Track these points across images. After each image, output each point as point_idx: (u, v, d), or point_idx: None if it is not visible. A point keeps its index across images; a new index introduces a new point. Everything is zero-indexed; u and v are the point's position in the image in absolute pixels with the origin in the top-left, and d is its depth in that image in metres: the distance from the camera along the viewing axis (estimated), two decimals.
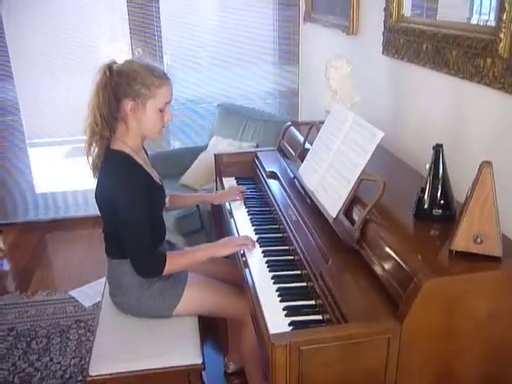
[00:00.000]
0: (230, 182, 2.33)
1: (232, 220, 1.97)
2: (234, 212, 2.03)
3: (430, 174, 1.40)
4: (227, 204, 2.09)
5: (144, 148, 1.85)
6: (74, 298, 2.89)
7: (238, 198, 2.10)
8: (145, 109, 1.66)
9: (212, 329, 2.45)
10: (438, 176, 1.38)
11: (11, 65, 3.52)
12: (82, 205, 3.95)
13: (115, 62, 1.68)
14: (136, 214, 1.63)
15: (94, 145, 1.71)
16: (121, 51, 3.59)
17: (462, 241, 1.21)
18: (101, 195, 1.73)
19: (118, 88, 1.65)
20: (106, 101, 1.64)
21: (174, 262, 1.70)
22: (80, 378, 2.27)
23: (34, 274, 3.19)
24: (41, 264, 3.33)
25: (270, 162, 2.26)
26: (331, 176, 1.68)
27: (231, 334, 2.25)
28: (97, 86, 1.65)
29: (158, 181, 1.82)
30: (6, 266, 3.36)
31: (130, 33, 3.58)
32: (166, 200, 1.89)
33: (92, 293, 2.91)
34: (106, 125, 1.66)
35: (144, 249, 1.66)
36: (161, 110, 1.69)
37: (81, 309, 2.79)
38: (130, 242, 1.67)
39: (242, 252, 1.70)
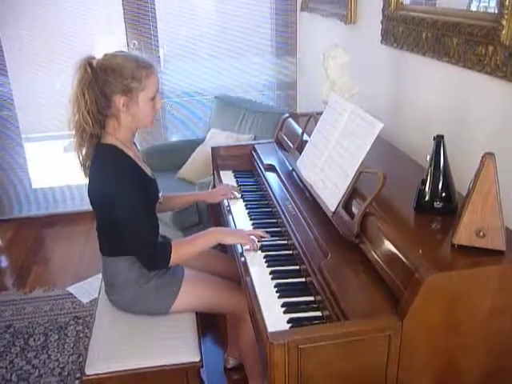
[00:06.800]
0: (227, 175, 2.30)
1: (230, 214, 1.94)
2: (231, 206, 2.00)
3: (430, 166, 1.37)
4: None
5: (135, 143, 1.82)
6: (71, 294, 2.86)
7: (232, 196, 2.05)
8: (137, 102, 1.63)
9: (211, 324, 2.43)
10: (439, 168, 1.35)
11: (5, 59, 3.47)
12: (79, 199, 3.91)
13: (94, 57, 1.63)
14: (131, 204, 1.60)
15: (84, 144, 1.68)
16: (116, 44, 3.54)
17: (464, 234, 1.18)
18: (93, 190, 1.69)
19: (106, 84, 1.60)
20: (93, 99, 1.60)
21: (180, 250, 1.66)
22: (78, 375, 2.25)
23: (31, 270, 3.16)
24: (38, 260, 3.30)
25: (267, 155, 2.22)
26: (330, 168, 1.64)
27: (230, 329, 2.23)
28: (80, 84, 1.60)
29: (150, 175, 1.79)
30: (3, 263, 3.33)
31: (126, 25, 3.53)
32: (160, 195, 1.85)
33: (90, 289, 2.88)
34: (96, 123, 1.62)
35: (146, 240, 1.63)
36: (152, 99, 1.66)
37: (79, 305, 2.77)
38: (130, 235, 1.63)
39: (240, 246, 1.67)
